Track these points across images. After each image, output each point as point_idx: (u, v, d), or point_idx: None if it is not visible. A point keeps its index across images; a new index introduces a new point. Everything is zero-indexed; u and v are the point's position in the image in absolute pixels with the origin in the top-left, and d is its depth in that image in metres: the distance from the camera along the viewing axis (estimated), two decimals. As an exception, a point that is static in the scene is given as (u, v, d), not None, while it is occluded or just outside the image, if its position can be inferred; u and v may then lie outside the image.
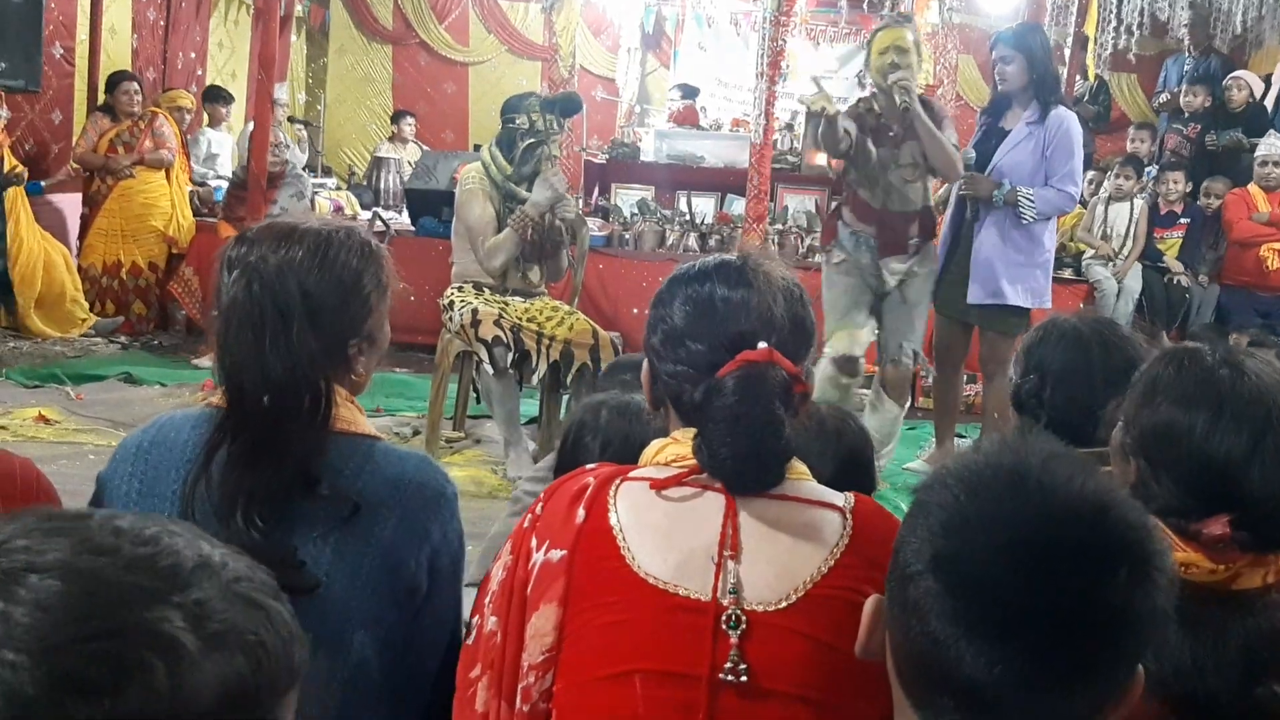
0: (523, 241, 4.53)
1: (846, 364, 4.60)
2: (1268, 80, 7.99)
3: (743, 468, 1.33)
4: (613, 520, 1.33)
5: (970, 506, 0.96)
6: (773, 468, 1.34)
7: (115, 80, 7.04)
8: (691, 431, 1.38)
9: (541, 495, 1.45)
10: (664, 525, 1.33)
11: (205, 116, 8.44)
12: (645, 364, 1.47)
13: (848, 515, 1.35)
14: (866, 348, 4.71)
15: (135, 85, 7.01)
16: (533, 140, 4.54)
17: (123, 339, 6.66)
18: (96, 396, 5.41)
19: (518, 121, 4.57)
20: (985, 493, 0.96)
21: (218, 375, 1.52)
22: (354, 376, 1.59)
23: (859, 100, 4.90)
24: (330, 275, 1.52)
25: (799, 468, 1.39)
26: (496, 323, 4.44)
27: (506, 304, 4.60)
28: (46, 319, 6.50)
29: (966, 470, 0.99)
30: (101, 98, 7.19)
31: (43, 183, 7.02)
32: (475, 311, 4.47)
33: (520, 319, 4.54)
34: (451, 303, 4.65)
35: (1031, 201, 4.57)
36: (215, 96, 8.42)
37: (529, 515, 1.43)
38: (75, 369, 5.85)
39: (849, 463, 1.86)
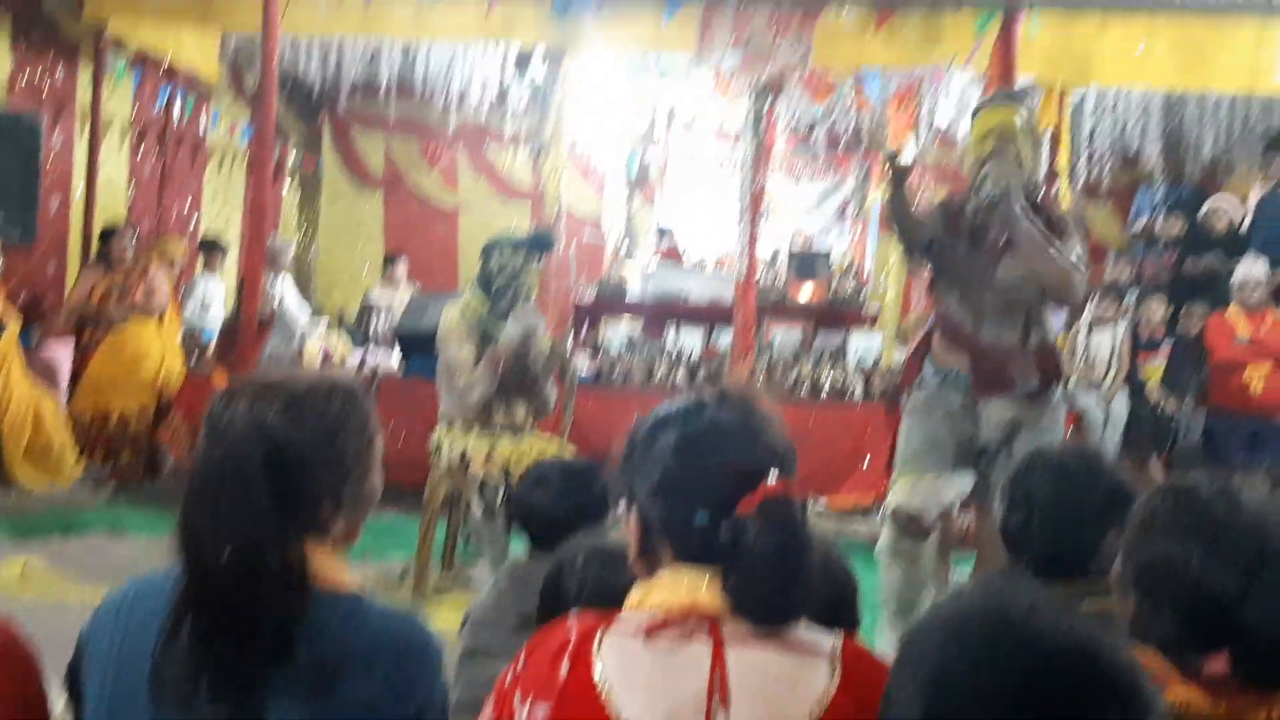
0: (496, 376, 4.56)
1: (909, 522, 3.77)
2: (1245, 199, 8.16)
3: (777, 602, 1.32)
4: (598, 674, 1.31)
5: (958, 658, 0.95)
6: (802, 598, 1.33)
7: (110, 232, 7.16)
8: (681, 576, 1.36)
9: (524, 648, 1.41)
10: (651, 676, 1.30)
11: (199, 265, 8.56)
12: (632, 513, 1.45)
13: (836, 660, 1.32)
14: (943, 506, 3.81)
15: (129, 235, 7.13)
16: (505, 279, 4.67)
17: (110, 489, 6.61)
18: (83, 548, 5.34)
19: (493, 261, 4.71)
20: (972, 643, 0.96)
21: (176, 545, 1.46)
22: (334, 536, 1.54)
23: (952, 194, 4.08)
24: (304, 433, 1.48)
25: None
26: (486, 461, 4.44)
27: (495, 442, 4.61)
28: (35, 469, 6.46)
29: (953, 620, 0.99)
30: (96, 248, 7.28)
31: (34, 333, 7.06)
32: (464, 451, 4.48)
33: (509, 457, 4.54)
34: (440, 443, 4.66)
35: None
36: (209, 245, 8.56)
37: (510, 671, 1.40)
38: (62, 520, 5.79)
39: (832, 599, 1.84)
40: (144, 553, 5.20)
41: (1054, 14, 6.72)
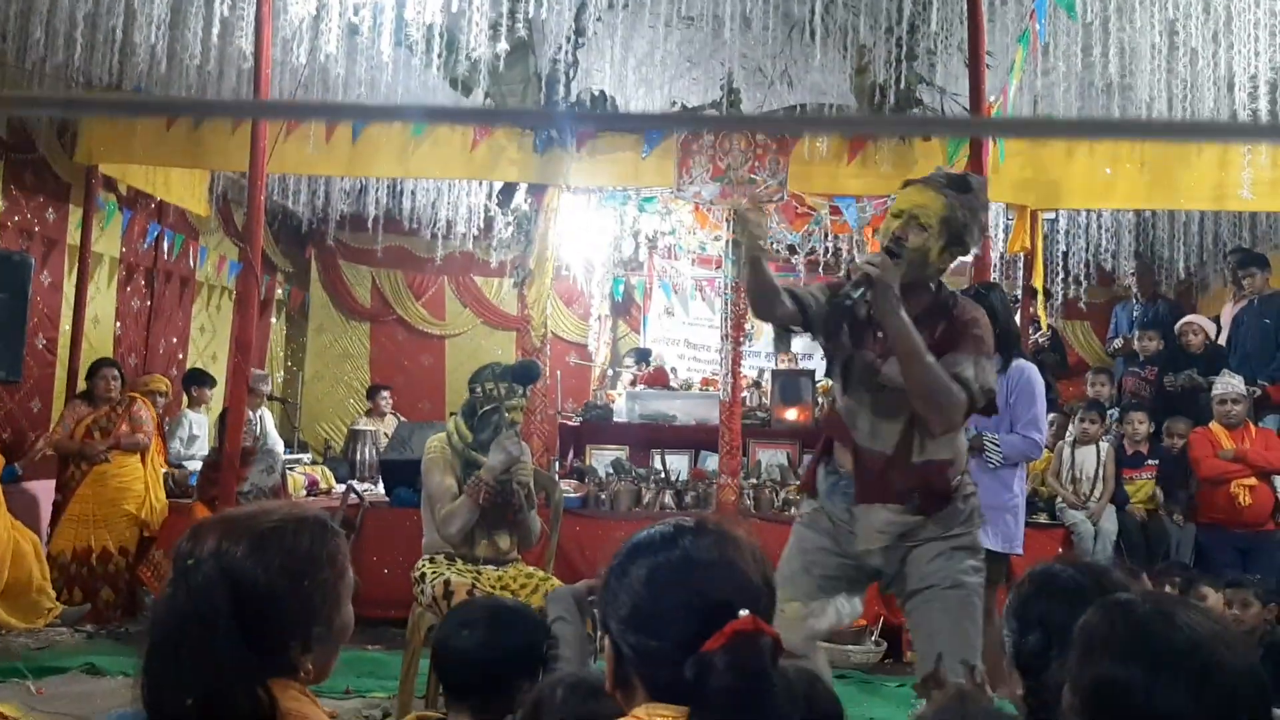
0: (477, 507, 4.54)
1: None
2: (1217, 321, 8.30)
3: None
4: None
5: None
6: None
7: (96, 367, 7.18)
8: (659, 710, 1.34)
9: None
10: None
11: (186, 399, 8.58)
12: (608, 643, 1.44)
13: None
14: (814, 635, 3.32)
15: (115, 372, 7.14)
16: (489, 407, 4.65)
17: (89, 628, 6.50)
18: (59, 690, 5.22)
19: (477, 390, 4.71)
20: None
21: (140, 694, 1.43)
22: (303, 674, 1.52)
23: (850, 270, 3.29)
24: (270, 573, 1.47)
25: None
26: (470, 593, 4.39)
27: (480, 573, 4.56)
28: (11, 610, 6.35)
29: None
30: (81, 385, 7.29)
31: (18, 466, 7.03)
32: (448, 582, 4.42)
33: (494, 588, 4.49)
34: (423, 574, 4.61)
35: (997, 446, 4.65)
36: (197, 379, 8.59)
37: None
38: (38, 661, 5.67)
39: None
40: (122, 694, 5.09)
41: (1021, 142, 6.93)
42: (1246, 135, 5.59)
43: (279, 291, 11.10)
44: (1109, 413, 7.76)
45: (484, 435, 4.66)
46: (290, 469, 7.48)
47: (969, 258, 3.37)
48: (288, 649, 1.49)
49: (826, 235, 8.43)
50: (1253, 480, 6.67)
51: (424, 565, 4.63)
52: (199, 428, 8.34)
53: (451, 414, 9.68)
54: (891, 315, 3.02)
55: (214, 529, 1.51)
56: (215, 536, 1.49)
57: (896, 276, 3.04)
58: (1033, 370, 4.78)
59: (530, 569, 4.74)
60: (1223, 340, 7.83)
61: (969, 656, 3.12)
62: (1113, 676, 1.40)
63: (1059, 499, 7.10)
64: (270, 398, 9.19)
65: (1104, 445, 7.16)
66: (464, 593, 4.36)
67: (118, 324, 8.64)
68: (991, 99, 6.40)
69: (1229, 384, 6.97)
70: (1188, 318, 8.15)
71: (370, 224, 9.34)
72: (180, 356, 9.52)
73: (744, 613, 1.31)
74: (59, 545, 6.77)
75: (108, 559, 6.77)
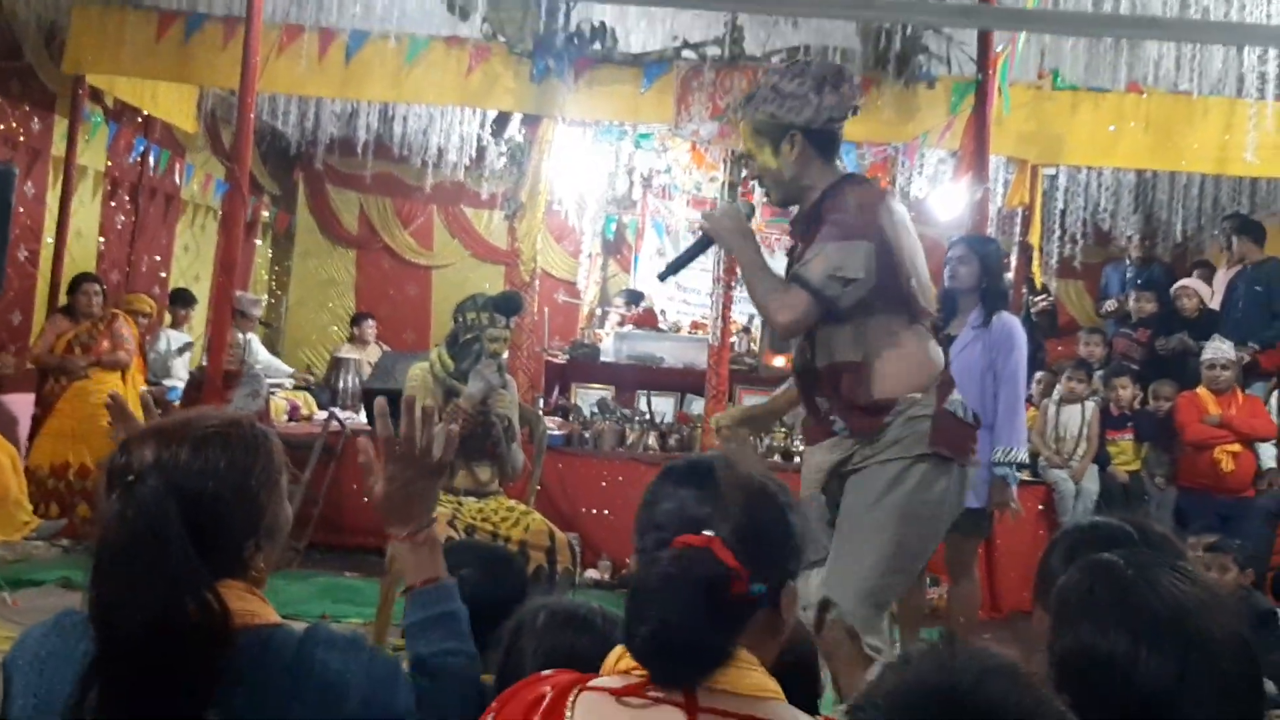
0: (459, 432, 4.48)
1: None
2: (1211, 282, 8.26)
3: (657, 652, 1.28)
4: None
5: None
6: (688, 662, 1.28)
7: (78, 281, 7.07)
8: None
9: (494, 703, 1.38)
10: None
11: (168, 317, 8.48)
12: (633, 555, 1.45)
13: None
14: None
15: (97, 287, 7.03)
16: (470, 336, 4.63)
17: (65, 542, 6.46)
18: (34, 603, 5.19)
19: (460, 320, 4.69)
20: (917, 715, 0.92)
21: (90, 612, 1.40)
22: (254, 574, 1.52)
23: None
24: (216, 477, 1.45)
25: (767, 684, 1.33)
26: (450, 524, 4.35)
27: (460, 504, 4.52)
28: (-12, 521, 6.32)
29: (898, 690, 0.95)
30: (63, 299, 7.18)
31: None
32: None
33: (475, 520, 4.46)
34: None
35: (1012, 448, 4.57)
36: (180, 299, 8.49)
37: None
38: (13, 574, 5.63)
39: (794, 666, 1.79)
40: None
41: (1026, 94, 6.83)
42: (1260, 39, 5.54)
43: (265, 214, 10.95)
44: (1096, 373, 7.74)
45: (465, 364, 4.63)
46: (272, 394, 7.41)
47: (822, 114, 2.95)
48: (241, 550, 1.49)
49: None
50: (1237, 446, 6.68)
51: None
52: (180, 344, 8.25)
53: (436, 345, 9.63)
54: (732, 251, 3.10)
55: (149, 439, 1.48)
56: (153, 447, 1.46)
57: (736, 216, 3.08)
58: (1014, 323, 4.71)
59: (511, 502, 4.71)
60: (1216, 305, 7.81)
61: (843, 595, 2.88)
62: (1092, 645, 1.34)
63: (1041, 457, 7.11)
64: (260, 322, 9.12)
65: (1089, 405, 7.15)
66: (443, 524, 4.32)
67: (101, 239, 8.51)
68: (999, 48, 6.30)
69: (1218, 349, 6.95)
70: (1183, 281, 8.12)
71: (360, 149, 9.19)
72: (163, 275, 9.39)
73: (708, 533, 1.30)
74: (37, 459, 6.73)
75: (85, 474, 6.71)
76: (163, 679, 1.35)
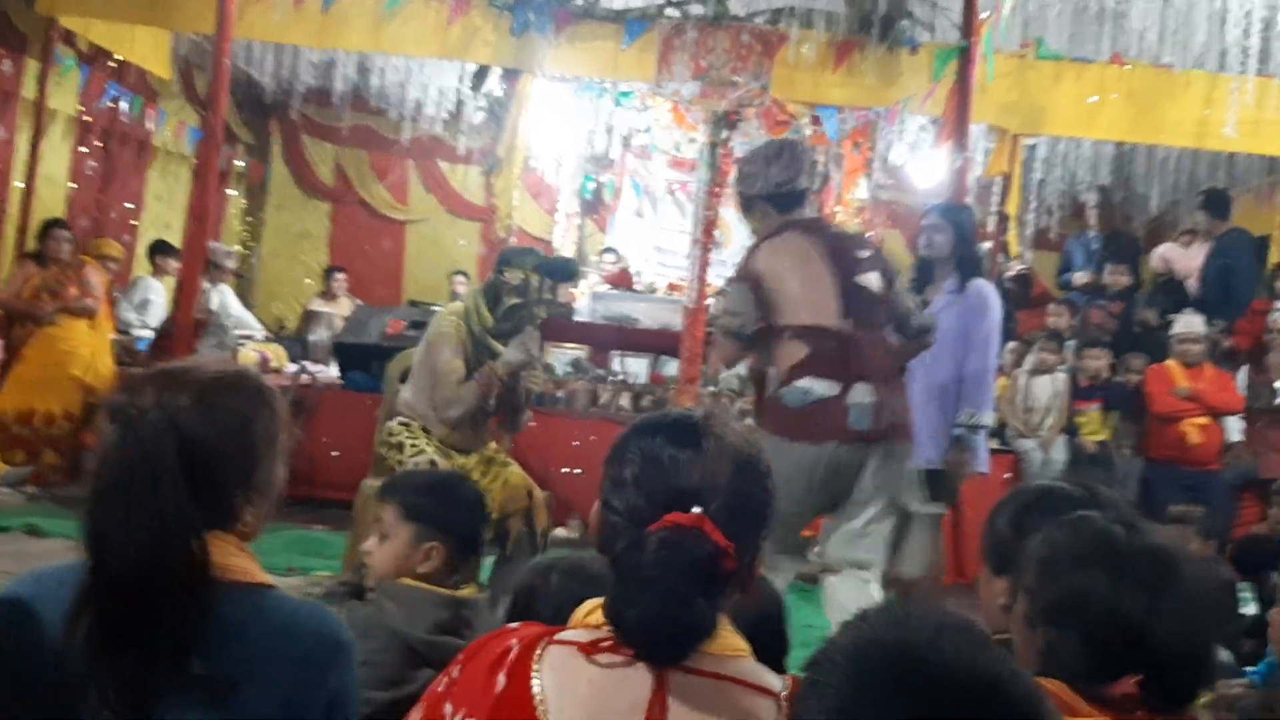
0: (485, 398, 4.35)
1: None
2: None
3: (647, 634, 1.26)
4: (535, 688, 1.26)
5: (859, 687, 0.93)
6: (679, 641, 1.27)
7: (47, 227, 6.96)
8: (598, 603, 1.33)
9: (460, 655, 1.37)
10: (589, 696, 1.26)
11: (150, 267, 8.36)
12: (596, 506, 1.41)
13: (782, 703, 1.28)
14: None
15: (67, 234, 6.93)
16: (519, 301, 4.39)
17: (30, 489, 6.41)
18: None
19: (507, 276, 4.41)
20: (873, 672, 0.93)
21: (84, 539, 1.41)
22: (241, 528, 1.51)
23: None
24: (216, 424, 1.45)
25: (736, 643, 1.32)
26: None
27: (450, 459, 4.43)
28: (-48, 466, 6.26)
29: (853, 648, 0.96)
30: (32, 245, 7.07)
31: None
32: (433, 463, 4.27)
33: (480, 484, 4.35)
34: (401, 443, 4.39)
35: (975, 412, 4.57)
36: (164, 249, 8.33)
37: (444, 678, 1.35)
38: (-23, 520, 5.60)
39: (759, 626, 1.79)
40: (63, 555, 5.01)
41: (1010, 63, 6.81)
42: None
43: (238, 163, 10.81)
44: (1068, 344, 7.78)
45: (505, 326, 4.40)
46: (241, 345, 7.35)
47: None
48: (231, 500, 1.49)
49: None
50: (1204, 419, 6.74)
51: (402, 432, 4.42)
52: (157, 295, 8.16)
53: (412, 302, 9.57)
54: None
55: (153, 381, 1.48)
56: (155, 388, 1.46)
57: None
58: (988, 289, 4.71)
59: (491, 450, 4.58)
60: (1191, 281, 7.84)
61: None
62: (1074, 582, 1.43)
63: (1009, 426, 7.15)
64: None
65: (1060, 376, 7.20)
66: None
67: (71, 184, 8.38)
68: (984, 15, 6.27)
69: (1189, 323, 7.00)
70: (1162, 248, 8.19)
71: (337, 100, 9.08)
72: (134, 223, 9.26)
73: (696, 510, 1.28)
74: (2, 405, 6.65)
75: (51, 421, 6.65)
76: (147, 617, 1.35)
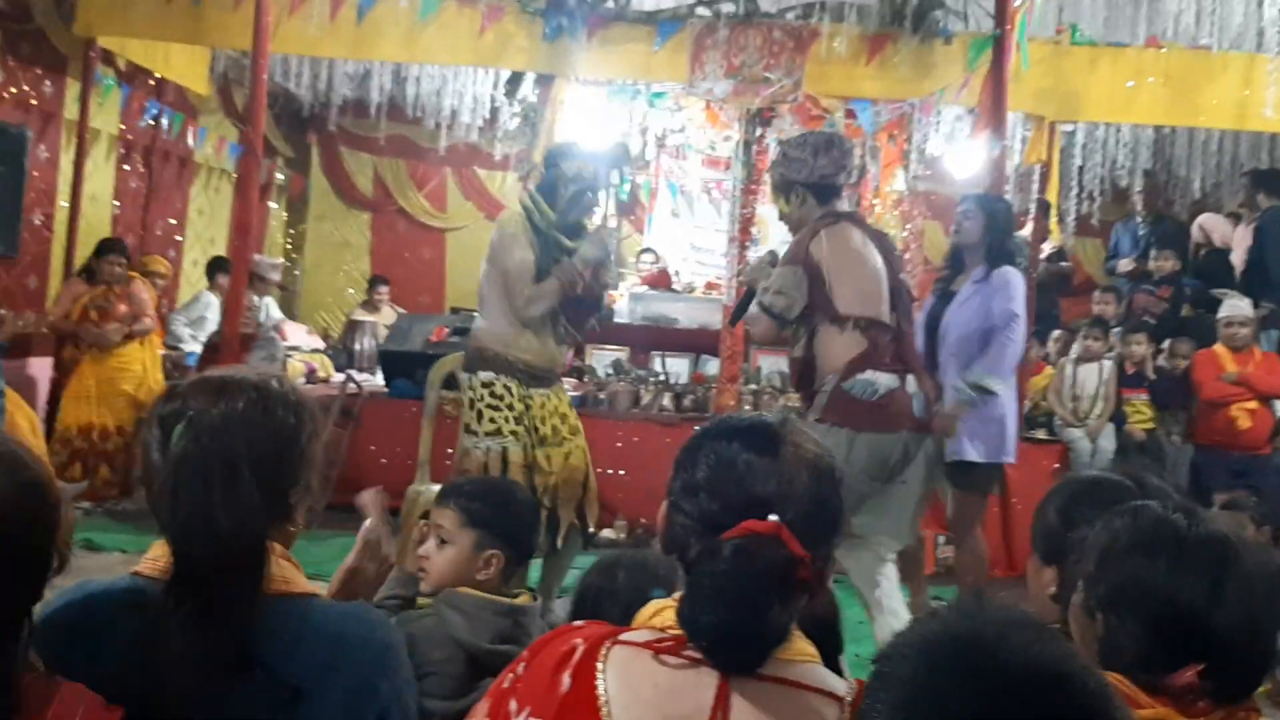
0: (569, 293, 4.28)
1: None
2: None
3: (721, 642, 1.27)
4: (600, 689, 1.27)
5: (927, 680, 0.93)
6: (752, 649, 1.28)
7: (106, 247, 6.99)
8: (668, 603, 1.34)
9: (525, 653, 1.38)
10: (653, 699, 1.26)
11: (208, 283, 8.41)
12: (664, 506, 1.42)
13: (846, 707, 1.28)
14: None
15: (123, 259, 6.95)
16: (579, 188, 4.31)
17: (86, 505, 6.51)
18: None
19: (564, 167, 4.34)
20: (942, 665, 0.93)
21: (165, 534, 1.46)
22: (291, 529, 1.57)
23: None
24: (270, 427, 1.50)
25: (805, 649, 1.33)
26: (526, 468, 4.21)
27: (527, 409, 4.31)
28: (8, 484, 6.34)
29: (923, 641, 0.97)
30: (79, 263, 7.13)
31: (5, 344, 6.92)
32: (506, 451, 4.22)
33: (540, 418, 4.30)
34: (480, 411, 4.25)
35: (985, 378, 4.49)
36: (223, 266, 8.31)
37: (509, 673, 1.36)
38: (35, 535, 5.70)
39: (814, 625, 1.80)
40: (118, 569, 5.09)
41: (1044, 50, 6.75)
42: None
43: (279, 177, 10.94)
44: (1113, 331, 7.71)
45: (570, 217, 4.32)
46: (289, 356, 7.44)
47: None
48: (288, 496, 1.53)
49: (839, 139, 8.26)
50: (1254, 404, 6.66)
51: (484, 395, 4.28)
52: (213, 311, 8.22)
53: (453, 309, 9.59)
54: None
55: (199, 387, 1.53)
56: (205, 392, 1.51)
57: (763, 272, 4.19)
58: (1012, 274, 4.66)
59: (566, 407, 4.48)
60: (1239, 255, 7.70)
61: None
62: (1134, 570, 1.42)
63: (1057, 416, 7.09)
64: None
65: (1106, 364, 7.13)
66: (517, 471, 4.17)
67: (115, 202, 8.51)
68: (1018, 2, 6.22)
69: (1236, 306, 6.91)
70: (1200, 218, 8.08)
71: (374, 111, 9.16)
72: (178, 238, 9.40)
73: (773, 518, 1.27)
74: (66, 421, 6.69)
75: (107, 437, 6.74)
76: (221, 618, 1.39)
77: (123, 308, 6.88)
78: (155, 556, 1.51)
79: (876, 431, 3.82)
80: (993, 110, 6.14)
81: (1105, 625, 1.44)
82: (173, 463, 1.44)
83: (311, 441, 1.57)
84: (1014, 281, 4.61)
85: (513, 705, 1.31)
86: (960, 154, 7.49)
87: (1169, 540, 1.42)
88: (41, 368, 7.14)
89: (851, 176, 4.22)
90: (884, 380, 3.86)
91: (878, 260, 3.97)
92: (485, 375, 4.30)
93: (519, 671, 1.35)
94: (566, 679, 1.29)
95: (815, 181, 4.03)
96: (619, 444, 6.66)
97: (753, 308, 4.11)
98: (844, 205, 4.15)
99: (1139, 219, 8.89)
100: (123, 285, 6.92)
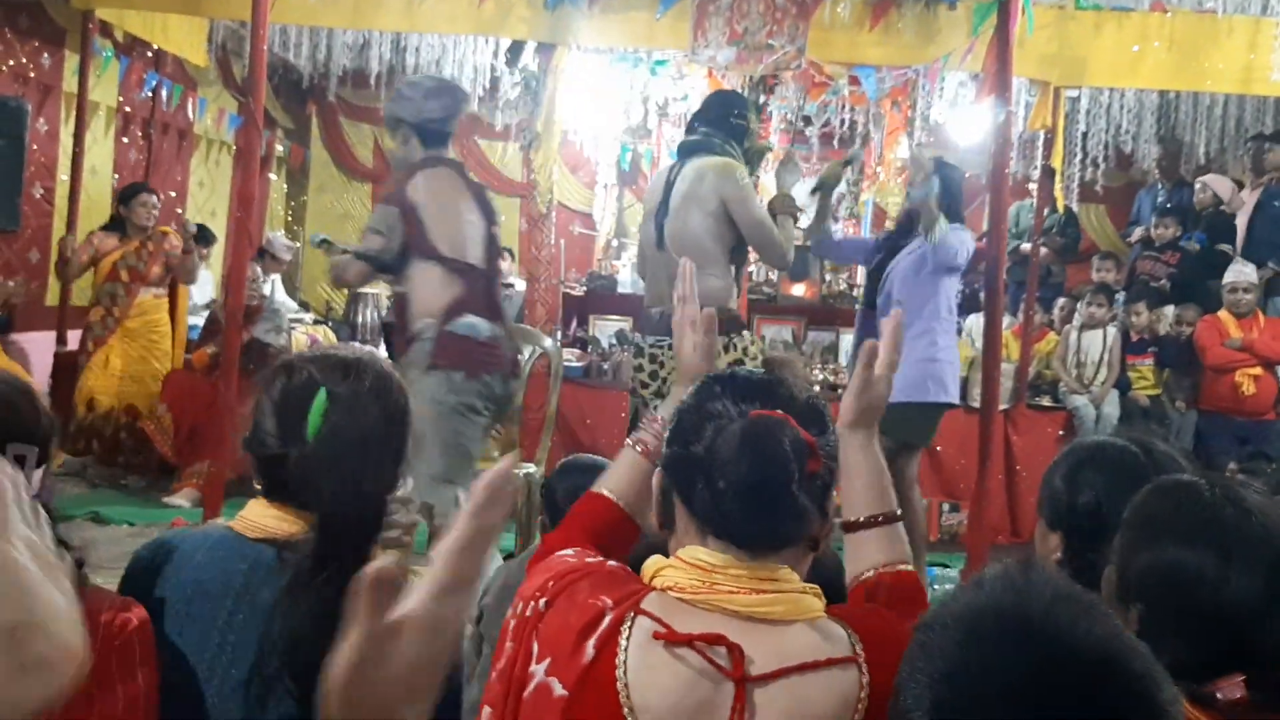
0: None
1: None
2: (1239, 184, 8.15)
3: (751, 521, 1.29)
4: (619, 670, 1.27)
5: (971, 652, 0.91)
6: (784, 527, 1.30)
7: (132, 192, 6.85)
8: (698, 551, 1.32)
9: (546, 582, 1.37)
10: (670, 689, 1.26)
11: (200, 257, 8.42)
12: (655, 477, 1.43)
13: (862, 666, 1.27)
14: None
15: (155, 199, 6.83)
16: (751, 143, 4.66)
17: (94, 478, 6.52)
18: (63, 537, 5.26)
19: (749, 121, 4.69)
20: (986, 637, 0.91)
21: (305, 501, 1.55)
22: None
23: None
24: (389, 404, 1.61)
25: (811, 604, 1.32)
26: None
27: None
28: (9, 457, 6.32)
29: (968, 611, 0.94)
30: (81, 238, 6.91)
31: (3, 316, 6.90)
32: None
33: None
34: (665, 380, 4.46)
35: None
36: (200, 237, 8.38)
37: (528, 605, 1.36)
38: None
39: (820, 584, 1.80)
40: (127, 542, 5.13)
41: (1049, 15, 6.69)
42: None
43: (279, 148, 10.89)
44: (1117, 297, 7.69)
45: (753, 165, 4.69)
46: (292, 329, 7.43)
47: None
48: (400, 471, 1.63)
49: (844, 106, 8.22)
50: (1258, 370, 6.66)
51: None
52: (201, 283, 8.23)
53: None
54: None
55: (325, 365, 1.61)
56: (333, 370, 1.60)
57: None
58: (954, 233, 4.77)
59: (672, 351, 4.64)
60: (1243, 220, 7.66)
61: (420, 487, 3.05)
62: (1176, 562, 1.33)
63: (1062, 382, 7.10)
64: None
65: (1111, 330, 7.12)
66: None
67: (115, 175, 8.48)
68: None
69: (1240, 272, 6.90)
70: (1203, 177, 8.05)
71: (373, 81, 9.10)
72: (179, 211, 9.36)
73: (780, 412, 1.33)
74: (84, 394, 6.59)
75: (135, 415, 6.63)
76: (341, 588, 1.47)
77: (155, 269, 6.77)
78: (254, 516, 1.59)
79: (491, 373, 3.89)
80: (997, 76, 6.08)
81: (1139, 617, 1.35)
82: (326, 435, 1.52)
83: (410, 424, 1.66)
84: (950, 240, 4.72)
85: (535, 648, 1.32)
86: (964, 120, 7.45)
87: (1216, 534, 1.31)
88: (35, 341, 7.03)
89: (456, 127, 4.21)
90: (483, 326, 3.90)
91: (474, 209, 4.05)
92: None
93: (540, 608, 1.35)
94: (590, 649, 1.28)
95: (420, 122, 4.06)
96: (623, 414, 6.66)
97: (342, 256, 4.16)
98: (450, 154, 4.25)
99: (1159, 185, 8.85)
100: (156, 242, 6.79)
